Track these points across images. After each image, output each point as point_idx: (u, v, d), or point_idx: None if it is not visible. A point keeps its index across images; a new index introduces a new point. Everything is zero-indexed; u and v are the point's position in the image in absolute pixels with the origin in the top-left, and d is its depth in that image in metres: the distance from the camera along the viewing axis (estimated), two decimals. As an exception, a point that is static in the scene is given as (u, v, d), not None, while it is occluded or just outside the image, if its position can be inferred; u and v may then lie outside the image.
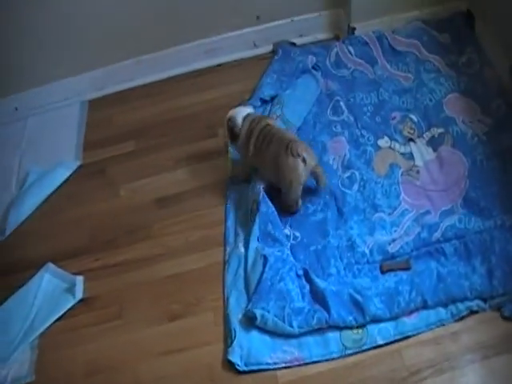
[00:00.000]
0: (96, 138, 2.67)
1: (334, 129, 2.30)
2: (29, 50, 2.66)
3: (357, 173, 2.16)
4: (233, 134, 2.12)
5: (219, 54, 2.83)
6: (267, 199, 2.08)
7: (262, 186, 2.11)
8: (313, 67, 2.56)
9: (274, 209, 2.06)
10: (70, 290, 2.09)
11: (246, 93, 2.61)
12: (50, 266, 2.19)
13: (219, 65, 2.81)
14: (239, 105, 2.29)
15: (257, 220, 2.05)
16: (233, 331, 1.85)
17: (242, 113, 2.15)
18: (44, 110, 2.85)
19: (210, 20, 2.70)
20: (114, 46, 2.72)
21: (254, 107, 2.46)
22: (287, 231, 2.01)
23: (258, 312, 1.82)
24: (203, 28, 2.73)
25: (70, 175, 2.54)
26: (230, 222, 2.13)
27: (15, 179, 2.63)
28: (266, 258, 1.93)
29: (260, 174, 2.14)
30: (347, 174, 2.16)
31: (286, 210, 2.11)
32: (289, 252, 1.95)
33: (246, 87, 2.64)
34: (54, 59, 2.73)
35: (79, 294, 2.09)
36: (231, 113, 2.15)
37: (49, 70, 2.76)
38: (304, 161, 1.98)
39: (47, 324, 2.05)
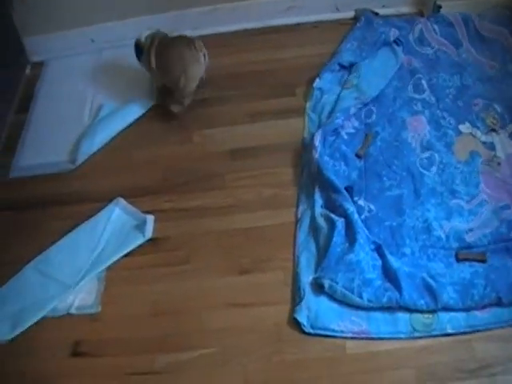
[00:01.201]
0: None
1: (414, 107, 2.30)
2: None
3: (436, 155, 2.16)
4: (137, 50, 2.41)
5: (299, 13, 2.81)
6: (327, 165, 2.10)
7: (316, 154, 2.12)
8: (394, 41, 2.51)
9: (333, 177, 2.06)
10: (140, 227, 2.11)
11: (324, 56, 2.60)
12: (121, 200, 2.22)
13: (298, 24, 2.78)
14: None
15: (317, 189, 2.09)
16: (302, 291, 1.87)
17: (145, 33, 2.41)
18: (119, 45, 2.83)
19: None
20: None
21: (332, 71, 2.49)
22: (362, 203, 2.02)
23: (327, 282, 1.83)
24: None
25: (143, 114, 2.52)
26: (304, 183, 2.12)
27: (88, 110, 2.67)
28: (333, 223, 1.93)
29: (166, 81, 2.43)
30: (426, 154, 2.16)
31: (177, 104, 2.44)
32: (361, 223, 1.92)
33: (323, 50, 2.64)
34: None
35: (149, 233, 2.12)
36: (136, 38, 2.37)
37: (126, 6, 2.79)
38: (204, 56, 2.29)
39: (115, 258, 2.08)
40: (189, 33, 2.64)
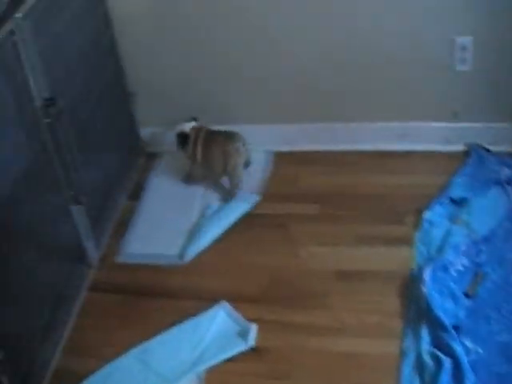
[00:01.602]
0: (280, 191, 2.80)
1: (526, 246, 2.26)
2: (233, 90, 2.92)
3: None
4: (183, 141, 2.65)
5: (411, 141, 2.89)
6: (436, 302, 2.09)
7: (425, 289, 2.12)
8: (506, 181, 2.52)
9: (442, 314, 2.06)
10: (243, 334, 2.16)
11: (434, 187, 2.66)
12: (226, 305, 2.29)
13: (409, 152, 2.85)
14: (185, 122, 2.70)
15: (424, 324, 2.09)
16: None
17: (188, 126, 2.69)
18: None
19: (404, 105, 2.81)
20: (307, 106, 2.89)
21: (442, 204, 2.54)
22: (469, 344, 2.01)
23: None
24: (396, 111, 2.83)
25: (249, 214, 2.70)
26: (410, 316, 2.15)
27: (197, 206, 2.82)
28: (441, 363, 1.91)
29: (208, 173, 2.75)
30: (536, 302, 2.09)
31: (231, 195, 2.72)
32: (469, 367, 1.91)
33: (433, 181, 2.70)
34: (250, 104, 2.95)
35: (251, 342, 2.15)
36: (179, 128, 2.70)
37: (247, 112, 2.96)
38: (243, 145, 2.62)
39: (216, 360, 2.12)
40: (305, 146, 2.90)
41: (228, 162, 2.63)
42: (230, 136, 2.63)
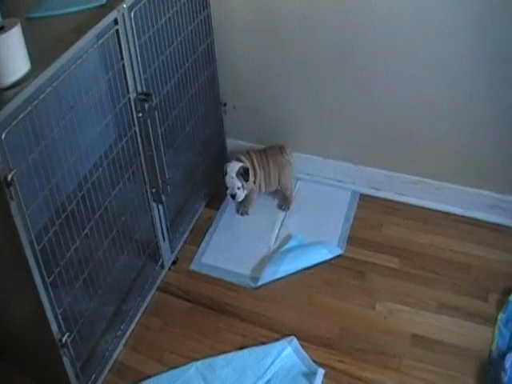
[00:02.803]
0: (362, 236, 2.73)
1: None
2: (326, 122, 2.88)
3: None
4: (247, 174, 2.61)
5: (504, 214, 2.79)
6: None
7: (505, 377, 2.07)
8: None
9: None
10: (309, 377, 2.12)
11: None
12: (295, 341, 2.25)
13: (500, 225, 2.75)
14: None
15: None
16: None
17: (238, 164, 2.69)
18: (316, 181, 2.95)
19: (500, 174, 2.69)
20: (402, 157, 2.84)
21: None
22: None
23: None
24: (491, 181, 2.73)
25: (330, 259, 2.53)
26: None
27: (275, 235, 2.76)
28: None
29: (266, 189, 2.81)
30: None
31: (287, 204, 2.83)
32: None
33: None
34: (344, 139, 2.91)
35: (316, 386, 2.01)
36: (234, 167, 2.68)
37: (334, 147, 2.95)
38: (291, 156, 2.65)
39: (278, 397, 1.97)
40: (391, 196, 2.88)
41: (282, 173, 2.73)
42: (281, 148, 2.73)
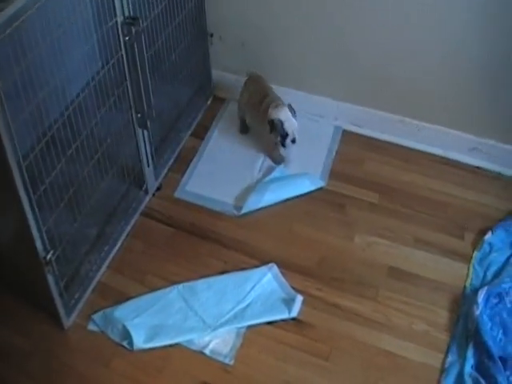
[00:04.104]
0: (344, 170, 2.76)
1: None
2: (311, 57, 2.87)
3: None
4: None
5: (483, 157, 2.83)
6: (486, 327, 2.08)
7: (477, 311, 2.11)
8: None
9: (491, 342, 2.03)
10: (287, 302, 2.16)
11: (501, 211, 2.61)
12: (275, 267, 2.29)
13: (479, 167, 2.80)
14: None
15: (470, 346, 2.06)
16: None
17: (284, 107, 2.62)
18: (298, 114, 2.85)
19: (481, 119, 2.73)
20: (384, 95, 2.84)
21: (507, 231, 2.52)
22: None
23: None
24: (472, 124, 2.78)
25: (312, 191, 2.57)
26: (457, 334, 2.13)
27: (259, 165, 2.80)
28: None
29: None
30: None
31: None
32: None
33: (501, 205, 2.64)
34: (328, 75, 2.90)
35: (295, 313, 2.15)
36: (283, 109, 2.61)
37: (318, 82, 2.93)
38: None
39: (257, 321, 2.13)
40: (373, 133, 2.92)
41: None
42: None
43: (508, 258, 2.40)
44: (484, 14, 2.40)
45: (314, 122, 3.00)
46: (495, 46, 2.47)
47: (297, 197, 2.60)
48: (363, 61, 2.74)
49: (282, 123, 2.50)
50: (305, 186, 2.65)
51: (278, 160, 2.67)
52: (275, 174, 2.67)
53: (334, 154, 2.86)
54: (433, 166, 2.82)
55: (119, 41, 2.09)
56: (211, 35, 2.93)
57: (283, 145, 2.56)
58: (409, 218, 2.56)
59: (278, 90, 2.83)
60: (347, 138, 2.94)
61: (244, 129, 2.80)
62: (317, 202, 2.59)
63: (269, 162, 2.78)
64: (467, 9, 2.40)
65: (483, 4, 2.37)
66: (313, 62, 2.86)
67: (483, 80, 2.61)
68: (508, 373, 2.04)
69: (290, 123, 2.52)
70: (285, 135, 2.52)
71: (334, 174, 2.75)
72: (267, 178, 2.65)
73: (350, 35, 2.69)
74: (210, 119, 2.97)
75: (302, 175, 2.65)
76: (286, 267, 2.32)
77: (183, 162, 2.75)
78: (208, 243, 2.36)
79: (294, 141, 2.55)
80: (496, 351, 2.03)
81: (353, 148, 2.89)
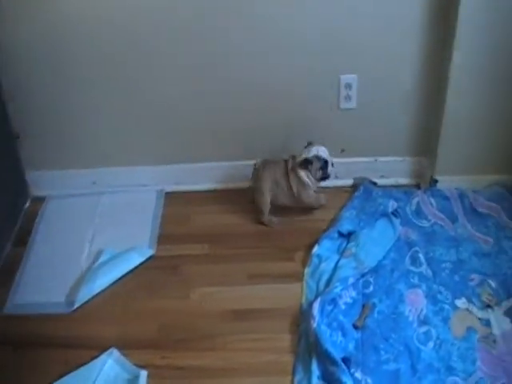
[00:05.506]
0: (171, 231, 2.78)
1: (411, 279, 2.38)
2: (116, 134, 2.91)
3: (433, 330, 2.21)
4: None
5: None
6: (325, 336, 2.13)
7: (314, 323, 2.18)
8: (392, 212, 2.61)
9: (331, 349, 2.07)
10: (132, 382, 2.09)
11: (324, 222, 2.72)
12: (115, 352, 2.22)
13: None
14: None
15: (314, 359, 2.11)
16: None
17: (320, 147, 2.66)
18: (121, 190, 2.97)
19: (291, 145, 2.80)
20: (185, 148, 2.97)
21: (331, 239, 2.56)
22: (358, 375, 2.03)
23: None
24: (285, 146, 2.85)
25: (143, 262, 2.56)
26: (301, 352, 2.15)
27: (86, 252, 2.74)
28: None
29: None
30: (423, 329, 2.21)
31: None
32: None
33: (323, 216, 2.76)
34: (138, 145, 2.95)
35: (140, 390, 2.01)
36: (320, 148, 2.64)
37: (131, 154, 2.97)
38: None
39: (104, 411, 1.95)
40: (194, 187, 3.02)
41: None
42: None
43: (336, 263, 2.41)
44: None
45: (136, 193, 3.03)
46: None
47: (129, 272, 2.54)
48: (164, 124, 2.91)
49: (316, 153, 2.58)
50: (133, 259, 2.62)
51: (318, 201, 2.76)
52: (104, 257, 2.63)
53: (160, 218, 2.86)
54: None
55: None
56: (18, 137, 2.88)
57: (325, 174, 2.61)
58: (238, 258, 2.60)
59: (98, 171, 2.94)
60: (170, 199, 2.97)
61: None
62: (149, 271, 2.57)
63: (96, 248, 2.68)
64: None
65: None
66: (125, 137, 2.95)
67: (277, 104, 2.78)
68: (353, 370, 2.06)
69: (322, 150, 2.58)
70: (324, 163, 2.57)
71: (162, 238, 2.75)
72: (96, 264, 2.60)
73: (146, 105, 2.85)
74: (31, 222, 2.89)
75: (129, 250, 2.62)
76: (127, 347, 2.26)
77: (9, 275, 2.64)
78: (48, 351, 2.26)
79: (327, 177, 2.61)
80: (337, 354, 2.05)
81: (177, 207, 2.91)
